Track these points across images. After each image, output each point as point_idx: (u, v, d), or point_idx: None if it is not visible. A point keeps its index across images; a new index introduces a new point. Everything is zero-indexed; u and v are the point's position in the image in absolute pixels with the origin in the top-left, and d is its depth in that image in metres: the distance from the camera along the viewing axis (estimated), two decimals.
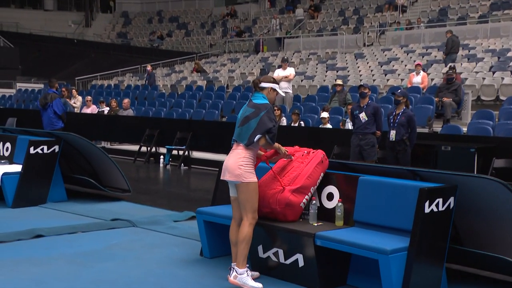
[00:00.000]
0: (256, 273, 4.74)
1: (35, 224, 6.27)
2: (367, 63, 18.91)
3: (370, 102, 8.90)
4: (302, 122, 11.65)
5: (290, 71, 13.78)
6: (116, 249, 5.47)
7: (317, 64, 20.12)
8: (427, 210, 4.05)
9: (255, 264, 4.86)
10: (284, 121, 12.09)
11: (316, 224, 4.75)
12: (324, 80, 17.27)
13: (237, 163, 4.45)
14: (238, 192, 4.50)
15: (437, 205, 4.11)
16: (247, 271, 4.48)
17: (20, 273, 4.68)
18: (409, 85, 13.77)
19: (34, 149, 7.47)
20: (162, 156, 12.61)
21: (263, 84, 4.68)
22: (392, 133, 8.27)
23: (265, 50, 25.44)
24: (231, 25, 31.87)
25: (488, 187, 4.32)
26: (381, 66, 17.86)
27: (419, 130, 10.71)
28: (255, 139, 4.41)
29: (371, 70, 17.71)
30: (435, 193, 4.12)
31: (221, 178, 4.66)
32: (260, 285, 4.47)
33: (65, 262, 5.02)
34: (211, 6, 36.69)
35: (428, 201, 4.05)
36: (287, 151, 4.89)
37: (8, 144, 8.28)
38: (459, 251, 4.62)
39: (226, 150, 4.58)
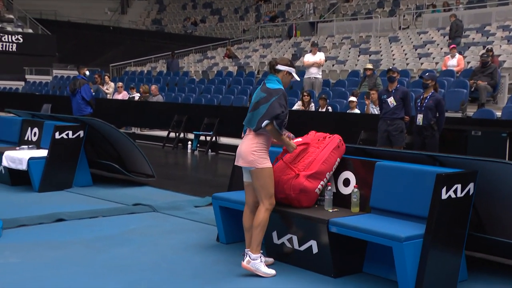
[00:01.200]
0: (271, 259, 4.67)
1: (58, 208, 6.35)
2: (401, 46, 18.46)
3: (399, 86, 8.69)
4: (329, 108, 11.46)
5: (320, 57, 13.53)
6: (133, 234, 5.47)
7: (349, 49, 19.75)
8: (444, 196, 3.89)
9: (270, 250, 4.79)
10: (312, 107, 11.92)
11: (331, 210, 4.64)
12: (356, 65, 16.95)
13: (250, 149, 4.36)
14: (252, 178, 4.41)
15: (455, 191, 3.95)
16: (260, 257, 4.41)
17: (35, 256, 4.73)
18: (443, 68, 13.40)
19: (59, 134, 7.58)
20: (190, 142, 12.64)
21: (280, 67, 4.56)
22: (419, 117, 8.02)
23: (298, 35, 25.06)
24: (264, 10, 31.60)
25: (511, 172, 4.13)
26: (416, 50, 17.41)
27: (452, 114, 10.43)
28: (263, 125, 4.30)
29: (405, 54, 17.28)
30: (453, 178, 3.96)
31: (235, 163, 4.58)
32: (273, 271, 4.41)
33: (82, 246, 5.05)
34: None
35: (445, 187, 3.89)
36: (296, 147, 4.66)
37: (36, 129, 8.42)
38: (481, 239, 4.45)
39: None
